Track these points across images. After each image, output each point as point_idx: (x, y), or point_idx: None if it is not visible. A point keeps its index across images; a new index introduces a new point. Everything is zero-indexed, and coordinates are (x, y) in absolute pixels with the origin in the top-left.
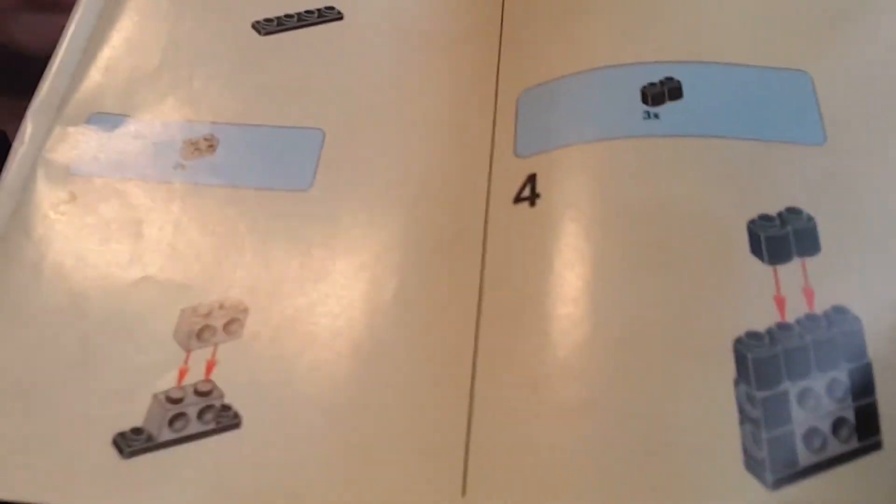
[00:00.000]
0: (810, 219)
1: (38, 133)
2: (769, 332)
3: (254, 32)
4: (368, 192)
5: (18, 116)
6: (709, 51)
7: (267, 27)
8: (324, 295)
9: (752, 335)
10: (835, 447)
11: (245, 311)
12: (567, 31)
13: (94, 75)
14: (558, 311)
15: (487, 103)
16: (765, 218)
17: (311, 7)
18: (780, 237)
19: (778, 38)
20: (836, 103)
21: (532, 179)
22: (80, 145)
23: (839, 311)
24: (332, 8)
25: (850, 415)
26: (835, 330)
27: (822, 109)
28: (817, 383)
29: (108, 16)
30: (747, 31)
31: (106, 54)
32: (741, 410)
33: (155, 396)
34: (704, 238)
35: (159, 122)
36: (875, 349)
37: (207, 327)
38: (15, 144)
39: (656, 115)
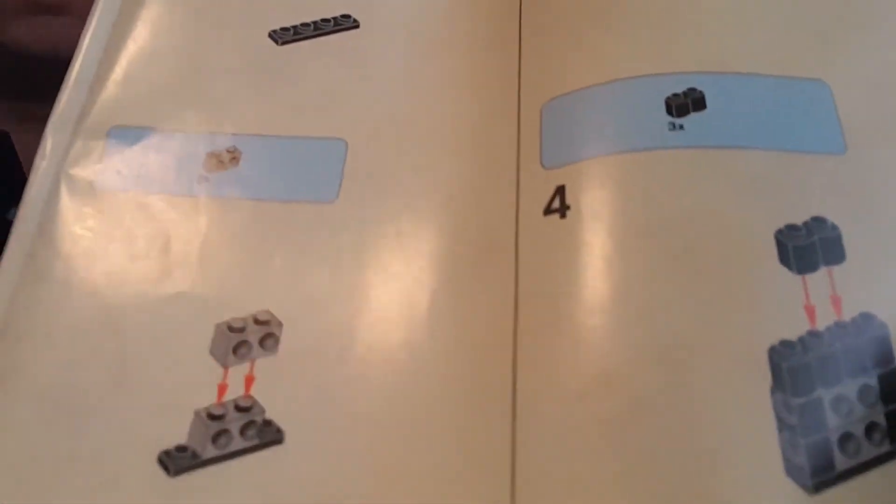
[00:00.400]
0: (835, 227)
1: (59, 148)
2: (801, 340)
3: (271, 42)
4: (395, 204)
5: (20, 118)
6: (729, 61)
7: (284, 36)
8: (357, 308)
9: (786, 343)
10: (869, 451)
11: (279, 325)
12: (588, 42)
13: (112, 87)
14: (595, 323)
15: (511, 113)
16: (791, 228)
17: (328, 15)
18: (807, 246)
19: (795, 48)
20: (855, 112)
21: (561, 191)
22: (102, 160)
23: (866, 318)
24: (348, 16)
25: (881, 419)
26: (863, 337)
27: (842, 118)
28: (849, 389)
29: (122, 26)
30: (766, 40)
31: (123, 65)
32: (779, 418)
33: (196, 413)
34: (734, 248)
35: (181, 134)
36: None
37: (244, 343)
38: (36, 160)
39: (681, 127)
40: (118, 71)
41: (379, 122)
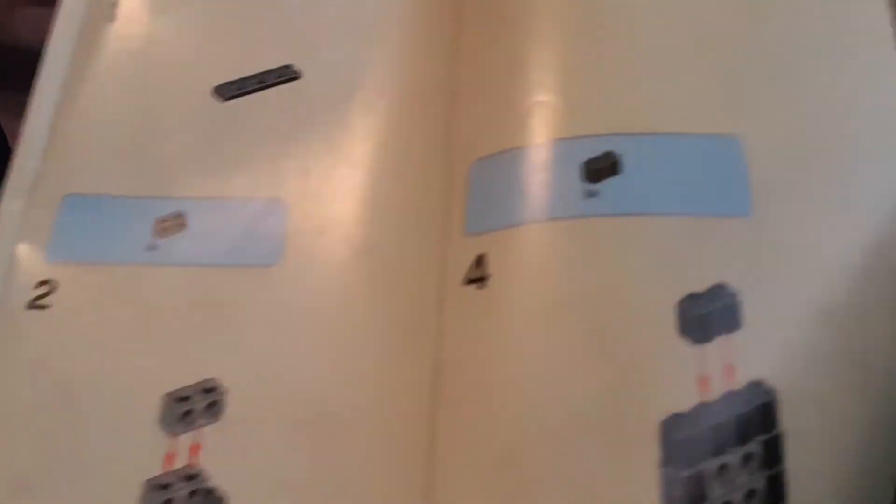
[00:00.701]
0: (735, 294)
1: (12, 219)
2: (693, 411)
3: (216, 98)
4: (330, 268)
5: (9, 111)
6: (647, 120)
7: (228, 91)
8: (296, 376)
9: (677, 416)
10: None
11: (225, 392)
12: (514, 100)
13: (63, 154)
14: (507, 398)
15: (441, 171)
16: (693, 297)
17: (270, 66)
18: (706, 315)
19: (710, 104)
20: (767, 168)
21: (481, 260)
22: (54, 230)
23: (756, 385)
24: (288, 67)
25: (760, 485)
26: (752, 404)
27: (753, 176)
28: (734, 458)
29: (72, 87)
30: (682, 97)
31: (73, 130)
32: (665, 491)
33: (145, 483)
34: (637, 321)
35: (131, 200)
36: (787, 418)
37: (190, 411)
38: None
39: (596, 193)
40: (69, 136)
41: (316, 179)
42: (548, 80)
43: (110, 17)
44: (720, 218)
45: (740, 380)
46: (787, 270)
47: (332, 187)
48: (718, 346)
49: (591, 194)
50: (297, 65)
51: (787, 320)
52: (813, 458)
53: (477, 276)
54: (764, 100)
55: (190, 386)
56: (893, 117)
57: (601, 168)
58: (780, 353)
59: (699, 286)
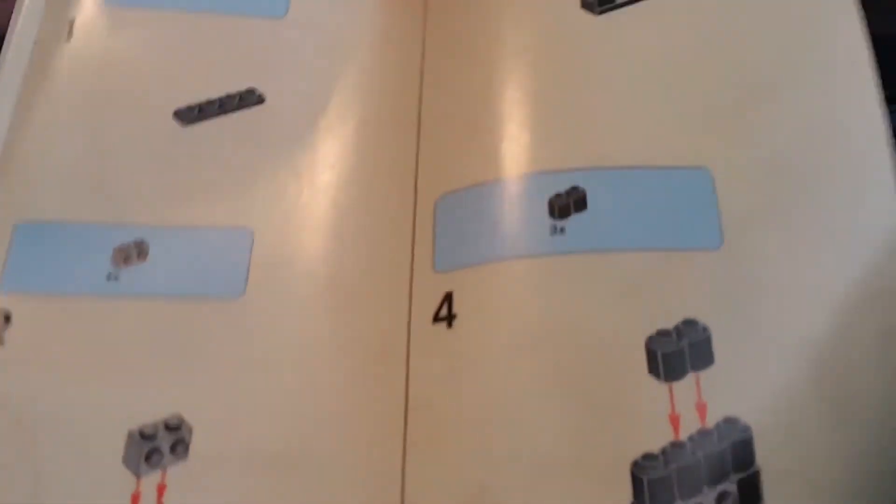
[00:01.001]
0: (705, 329)
1: None
2: (664, 451)
3: (177, 122)
4: (296, 301)
5: None
6: (613, 154)
7: (189, 116)
8: (261, 413)
9: (648, 457)
10: None
11: (190, 430)
12: (480, 133)
13: (16, 180)
14: (476, 436)
15: (407, 203)
16: (662, 333)
17: (233, 90)
18: (676, 353)
19: (679, 135)
20: (737, 200)
21: (449, 298)
22: (7, 260)
23: (730, 422)
24: (252, 91)
25: None
26: (725, 442)
27: (723, 207)
28: (708, 498)
29: (24, 111)
30: (650, 130)
31: (26, 154)
32: None
33: None
34: (606, 360)
35: (89, 228)
36: (763, 455)
37: (156, 450)
38: None
39: (562, 230)
40: (22, 162)
41: (282, 207)
42: (515, 114)
43: (67, 35)
44: (689, 251)
45: (713, 418)
46: (760, 303)
47: (297, 217)
48: (690, 385)
49: (558, 231)
50: (261, 88)
51: (761, 355)
52: (792, 494)
53: (444, 315)
54: (735, 130)
55: (154, 423)
56: (867, 146)
57: (567, 204)
58: (755, 389)
59: (668, 322)
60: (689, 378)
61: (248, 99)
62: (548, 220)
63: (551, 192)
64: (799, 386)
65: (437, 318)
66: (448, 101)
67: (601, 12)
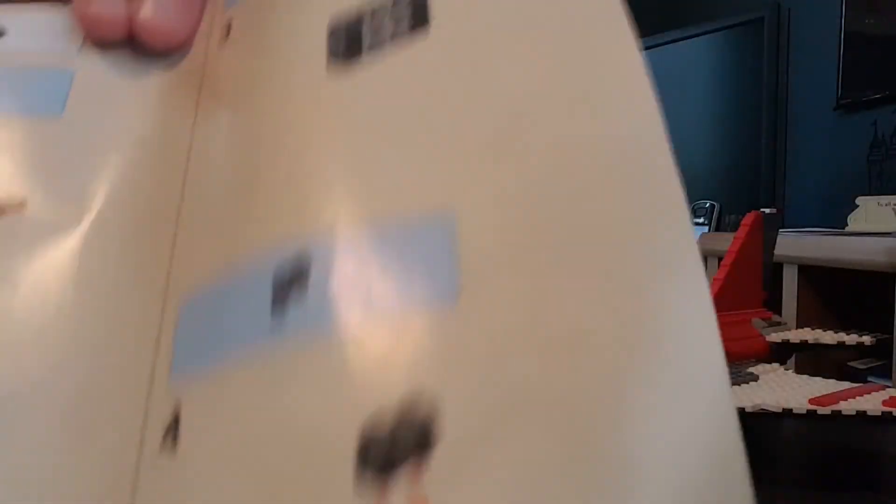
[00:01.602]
0: (431, 409)
1: None
2: None
3: None
4: (36, 413)
5: None
6: (345, 209)
7: None
8: None
9: None
10: None
11: None
12: (225, 221)
13: None
14: None
15: (156, 307)
16: (377, 417)
17: None
18: (392, 439)
19: (422, 179)
20: (479, 248)
21: (177, 417)
22: None
23: None
24: None
25: None
26: None
27: (462, 253)
28: None
29: None
30: (390, 175)
31: None
32: None
33: None
34: (310, 461)
35: None
36: None
37: None
38: None
39: (282, 314)
40: None
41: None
42: (258, 188)
43: None
44: (418, 312)
45: None
46: (495, 371)
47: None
48: (406, 477)
49: (277, 315)
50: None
51: (490, 438)
52: None
53: (172, 437)
54: (480, 173)
55: None
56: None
57: (289, 281)
58: (483, 481)
59: (388, 400)
60: (409, 467)
61: None
62: (268, 307)
63: (275, 269)
64: (554, 463)
65: (165, 437)
66: (204, 188)
67: (345, 64)
